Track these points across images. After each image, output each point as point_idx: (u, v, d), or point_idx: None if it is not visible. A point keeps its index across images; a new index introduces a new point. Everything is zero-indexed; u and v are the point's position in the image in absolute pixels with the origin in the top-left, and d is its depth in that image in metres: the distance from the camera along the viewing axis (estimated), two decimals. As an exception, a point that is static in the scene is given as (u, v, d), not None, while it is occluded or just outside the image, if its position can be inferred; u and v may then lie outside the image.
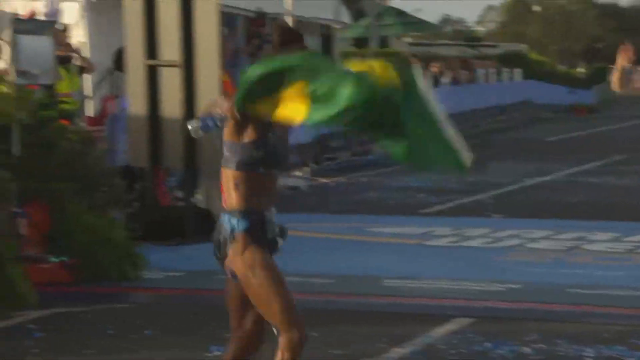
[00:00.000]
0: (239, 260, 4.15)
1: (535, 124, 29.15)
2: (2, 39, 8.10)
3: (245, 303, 4.23)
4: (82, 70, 11.55)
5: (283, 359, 4.08)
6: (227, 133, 4.18)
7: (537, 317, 6.97)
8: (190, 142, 9.50)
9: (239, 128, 4.13)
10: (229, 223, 4.17)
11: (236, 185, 4.17)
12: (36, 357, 6.10)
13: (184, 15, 9.47)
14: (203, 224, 9.72)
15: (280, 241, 4.27)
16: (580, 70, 48.67)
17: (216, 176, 10.55)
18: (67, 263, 8.05)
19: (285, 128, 4.22)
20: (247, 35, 18.30)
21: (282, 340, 4.10)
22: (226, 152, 4.21)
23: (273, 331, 4.19)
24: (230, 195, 4.19)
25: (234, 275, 4.21)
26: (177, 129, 9.52)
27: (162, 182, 10.44)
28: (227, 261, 4.22)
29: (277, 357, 4.10)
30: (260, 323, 4.25)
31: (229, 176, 4.20)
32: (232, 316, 4.33)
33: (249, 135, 4.14)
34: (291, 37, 4.26)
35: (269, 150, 4.16)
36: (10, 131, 8.04)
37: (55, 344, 6.35)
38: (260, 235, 4.17)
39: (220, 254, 4.26)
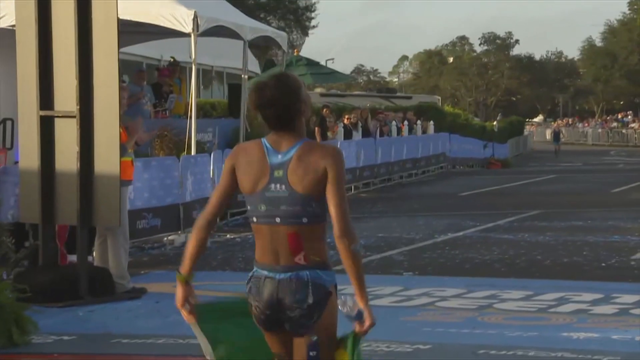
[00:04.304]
0: (334, 316, 4.05)
1: (449, 178, 29.28)
2: None
3: None
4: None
5: None
6: (311, 187, 3.98)
7: (446, 380, 6.74)
8: (85, 198, 9.08)
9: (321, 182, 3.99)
10: (320, 278, 4.00)
11: (322, 238, 4.03)
12: None
13: (81, 64, 9.10)
14: (99, 284, 9.29)
15: None
16: (495, 123, 49.39)
17: (111, 234, 10.12)
18: (-53, 328, 7.52)
19: None
20: (153, 83, 18.00)
21: None
22: (315, 207, 3.99)
23: None
24: (315, 248, 4.01)
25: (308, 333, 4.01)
26: (72, 183, 9.11)
27: (63, 240, 10.00)
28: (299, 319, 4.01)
29: None
30: None
31: (313, 230, 4.00)
32: None
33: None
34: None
35: None
36: None
37: None
38: None
39: (281, 312, 4.03)
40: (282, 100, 3.99)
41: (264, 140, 4.05)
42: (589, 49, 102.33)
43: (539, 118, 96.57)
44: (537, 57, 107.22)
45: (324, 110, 24.40)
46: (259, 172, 4.00)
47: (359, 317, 3.97)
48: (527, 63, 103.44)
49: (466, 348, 7.52)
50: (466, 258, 12.27)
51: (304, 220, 3.97)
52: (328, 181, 3.95)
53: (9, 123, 12.96)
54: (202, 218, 4.13)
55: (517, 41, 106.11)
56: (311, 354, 3.97)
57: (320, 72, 25.83)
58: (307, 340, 3.98)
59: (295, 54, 26.66)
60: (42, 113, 9.27)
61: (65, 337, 7.96)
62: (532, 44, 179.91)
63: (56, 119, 9.30)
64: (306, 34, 54.61)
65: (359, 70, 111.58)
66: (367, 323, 3.97)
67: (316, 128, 23.14)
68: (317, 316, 3.98)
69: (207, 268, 11.26)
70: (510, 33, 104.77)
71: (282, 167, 3.98)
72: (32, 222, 9.57)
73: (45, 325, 8.01)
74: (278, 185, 3.97)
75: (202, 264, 11.19)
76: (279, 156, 3.99)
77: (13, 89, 10.05)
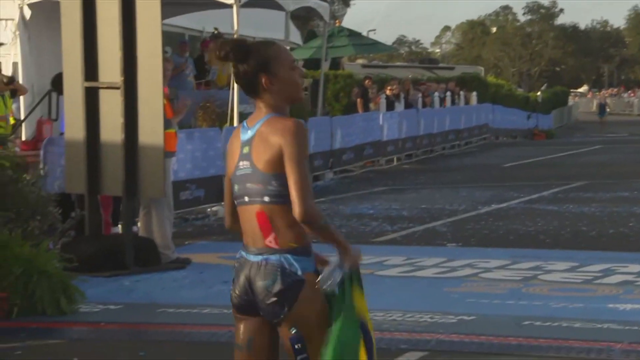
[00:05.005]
0: (312, 307, 3.77)
1: (492, 149, 29.11)
2: None
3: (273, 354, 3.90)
4: (13, 92, 11.18)
5: None
6: (270, 165, 3.78)
7: (490, 351, 6.73)
8: (130, 168, 9.14)
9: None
10: (291, 264, 3.77)
11: (294, 220, 3.76)
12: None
13: (125, 35, 9.13)
14: (144, 254, 9.37)
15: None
16: (539, 94, 48.95)
17: (155, 205, 10.20)
18: (-3, 296, 7.64)
19: None
20: (196, 57, 18.07)
21: None
22: (276, 186, 3.78)
23: None
24: (289, 232, 3.79)
25: (284, 321, 3.80)
26: (117, 154, 9.18)
27: (108, 210, 10.10)
28: (271, 306, 3.78)
29: None
30: None
31: (279, 210, 3.78)
32: None
33: None
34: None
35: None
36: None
37: (-20, 384, 6.03)
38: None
39: (254, 297, 3.82)
40: (238, 60, 3.80)
41: (244, 121, 3.93)
42: (635, 17, 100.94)
43: (583, 88, 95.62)
44: (582, 26, 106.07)
45: (366, 81, 24.33)
46: (235, 153, 3.88)
47: (342, 268, 3.77)
48: (571, 33, 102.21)
49: (510, 319, 7.49)
50: (510, 229, 12.21)
51: (266, 199, 3.76)
52: (285, 160, 3.72)
53: (54, 94, 13.07)
54: (226, 219, 4.03)
55: (561, 10, 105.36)
56: (296, 347, 3.78)
57: (362, 42, 25.71)
58: (287, 333, 3.79)
59: (336, 24, 26.56)
60: (87, 84, 9.33)
61: (112, 307, 8.07)
62: (577, 13, 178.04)
63: (101, 90, 9.36)
64: (347, 5, 54.46)
65: (400, 41, 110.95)
66: (347, 257, 3.75)
67: (358, 99, 23.12)
68: (289, 305, 3.74)
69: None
70: (554, 2, 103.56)
71: (248, 144, 3.82)
72: (77, 193, 9.66)
73: (92, 295, 8.12)
74: (244, 163, 3.82)
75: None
76: (248, 132, 3.84)
77: (58, 61, 10.12)
